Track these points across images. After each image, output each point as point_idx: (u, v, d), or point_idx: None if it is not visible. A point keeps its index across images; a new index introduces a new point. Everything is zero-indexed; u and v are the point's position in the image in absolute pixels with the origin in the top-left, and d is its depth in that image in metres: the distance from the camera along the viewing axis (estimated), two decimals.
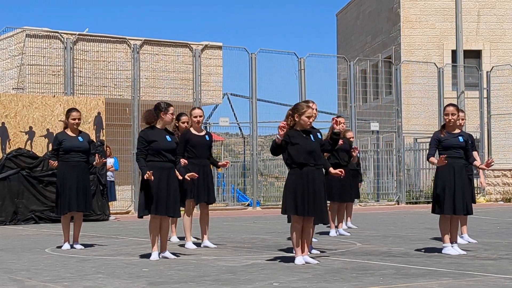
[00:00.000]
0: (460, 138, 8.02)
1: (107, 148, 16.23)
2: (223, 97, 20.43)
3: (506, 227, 12.11)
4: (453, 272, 6.48)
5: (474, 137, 26.94)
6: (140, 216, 7.76)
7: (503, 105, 24.53)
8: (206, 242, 8.99)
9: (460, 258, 7.64)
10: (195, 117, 8.94)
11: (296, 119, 7.25)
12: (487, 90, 24.26)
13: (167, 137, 7.76)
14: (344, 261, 7.43)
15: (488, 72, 24.48)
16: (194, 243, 8.89)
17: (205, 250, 8.74)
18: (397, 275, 6.34)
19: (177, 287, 5.77)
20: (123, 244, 9.47)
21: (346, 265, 7.05)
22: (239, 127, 23.07)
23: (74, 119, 9.19)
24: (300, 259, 7.08)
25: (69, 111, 9.32)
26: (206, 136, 9.07)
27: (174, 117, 8.01)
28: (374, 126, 22.28)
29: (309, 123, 7.26)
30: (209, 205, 9.11)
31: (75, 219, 9.30)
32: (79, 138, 9.18)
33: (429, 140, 26.63)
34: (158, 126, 7.80)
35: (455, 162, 7.93)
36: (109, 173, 16.12)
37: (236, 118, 22.23)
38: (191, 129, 9.02)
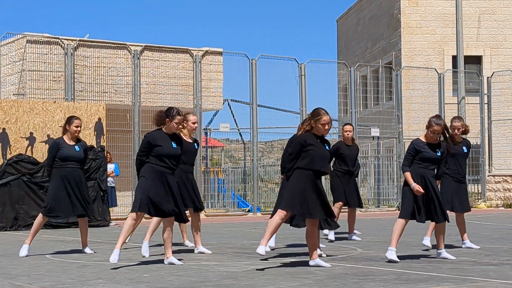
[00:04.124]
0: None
1: (108, 154, 16.23)
2: (223, 103, 20.44)
3: (507, 233, 12.10)
4: (454, 278, 6.47)
5: (475, 143, 26.74)
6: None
7: (504, 110, 24.53)
8: (201, 248, 9.01)
9: (461, 263, 7.63)
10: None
11: (313, 125, 7.24)
12: (487, 95, 24.27)
13: (173, 143, 7.70)
14: (345, 266, 7.42)
15: (489, 77, 24.49)
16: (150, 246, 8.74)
17: (205, 255, 8.73)
18: (398, 280, 6.33)
19: None
20: (123, 249, 9.45)
21: (347, 271, 7.04)
22: (240, 133, 23.06)
23: (77, 127, 9.06)
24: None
25: (72, 118, 9.19)
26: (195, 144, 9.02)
27: (179, 126, 7.88)
28: (375, 131, 22.28)
29: (324, 130, 7.21)
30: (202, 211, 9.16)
31: (80, 225, 9.34)
32: (76, 147, 9.08)
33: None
34: (165, 130, 7.76)
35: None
36: (109, 179, 16.12)
37: (236, 124, 22.23)
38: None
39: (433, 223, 8.57)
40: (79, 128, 9.09)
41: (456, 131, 9.18)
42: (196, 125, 9.10)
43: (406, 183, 7.92)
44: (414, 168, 7.92)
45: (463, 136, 9.36)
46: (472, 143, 24.29)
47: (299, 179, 7.19)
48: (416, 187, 7.70)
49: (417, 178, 7.85)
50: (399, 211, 8.02)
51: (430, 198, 7.87)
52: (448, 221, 8.06)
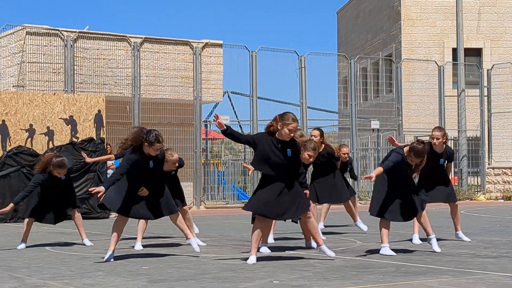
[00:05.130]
0: None
1: (108, 146, 16.23)
2: (223, 95, 20.43)
3: (506, 225, 12.11)
4: (453, 270, 6.48)
5: (474, 136, 26.71)
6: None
7: (504, 103, 24.52)
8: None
9: (460, 256, 7.64)
10: None
11: (279, 127, 7.13)
12: (487, 88, 24.25)
13: (150, 162, 7.48)
14: (344, 259, 7.43)
15: (489, 70, 24.46)
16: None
17: (205, 248, 8.75)
18: (397, 273, 6.35)
19: (177, 285, 5.77)
20: (123, 241, 9.47)
21: (346, 263, 7.05)
22: (240, 125, 23.06)
23: (59, 173, 8.91)
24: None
25: (56, 166, 8.87)
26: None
27: (158, 153, 7.52)
28: (375, 124, 22.27)
29: (288, 136, 7.14)
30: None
31: (72, 218, 9.32)
32: (62, 177, 9.07)
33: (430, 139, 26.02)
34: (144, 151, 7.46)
35: None
36: (109, 171, 16.12)
37: (236, 116, 22.26)
38: None
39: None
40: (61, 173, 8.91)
41: (435, 140, 9.07)
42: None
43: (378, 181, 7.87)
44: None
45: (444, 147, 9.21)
46: (472, 136, 24.38)
47: (262, 185, 7.23)
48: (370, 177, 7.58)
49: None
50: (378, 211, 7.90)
51: (403, 196, 7.82)
52: (422, 209, 8.01)
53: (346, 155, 10.98)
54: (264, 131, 7.32)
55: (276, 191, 7.12)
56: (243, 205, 7.62)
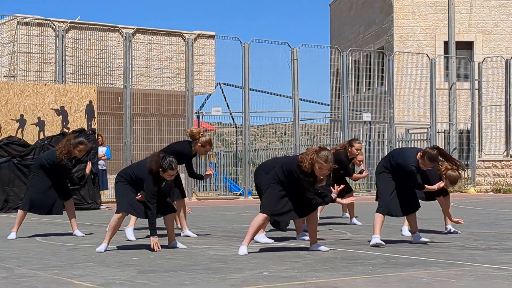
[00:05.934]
0: None
1: (99, 137, 16.20)
2: (215, 87, 20.41)
3: (495, 218, 12.18)
4: (442, 262, 6.52)
5: (465, 129, 26.81)
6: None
7: (494, 96, 24.60)
8: (187, 231, 9.09)
9: (449, 248, 7.68)
10: None
11: (314, 163, 7.03)
12: (478, 81, 24.31)
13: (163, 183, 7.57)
14: (334, 250, 7.46)
15: (480, 63, 24.52)
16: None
17: (195, 239, 8.77)
18: (386, 264, 6.38)
19: (167, 276, 5.78)
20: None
21: (336, 255, 7.08)
22: (232, 117, 23.05)
23: (80, 151, 8.98)
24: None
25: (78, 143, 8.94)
26: None
27: (171, 179, 7.56)
28: (366, 116, 22.31)
29: (321, 175, 7.12)
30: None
31: (66, 207, 9.33)
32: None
33: (421, 131, 26.56)
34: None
35: None
36: (101, 162, 16.10)
37: (228, 108, 22.22)
38: None
39: None
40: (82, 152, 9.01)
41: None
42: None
43: (382, 174, 7.96)
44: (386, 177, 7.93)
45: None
46: (462, 129, 24.45)
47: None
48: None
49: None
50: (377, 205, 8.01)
51: (407, 191, 7.89)
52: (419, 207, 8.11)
53: (360, 162, 11.51)
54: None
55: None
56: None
